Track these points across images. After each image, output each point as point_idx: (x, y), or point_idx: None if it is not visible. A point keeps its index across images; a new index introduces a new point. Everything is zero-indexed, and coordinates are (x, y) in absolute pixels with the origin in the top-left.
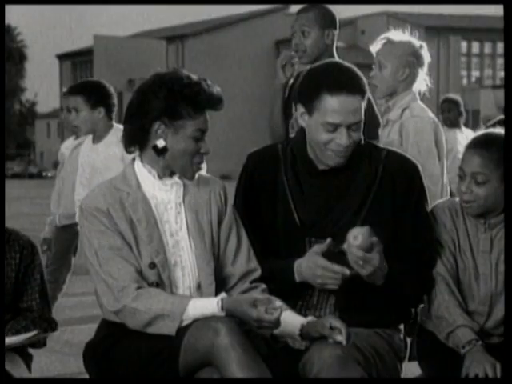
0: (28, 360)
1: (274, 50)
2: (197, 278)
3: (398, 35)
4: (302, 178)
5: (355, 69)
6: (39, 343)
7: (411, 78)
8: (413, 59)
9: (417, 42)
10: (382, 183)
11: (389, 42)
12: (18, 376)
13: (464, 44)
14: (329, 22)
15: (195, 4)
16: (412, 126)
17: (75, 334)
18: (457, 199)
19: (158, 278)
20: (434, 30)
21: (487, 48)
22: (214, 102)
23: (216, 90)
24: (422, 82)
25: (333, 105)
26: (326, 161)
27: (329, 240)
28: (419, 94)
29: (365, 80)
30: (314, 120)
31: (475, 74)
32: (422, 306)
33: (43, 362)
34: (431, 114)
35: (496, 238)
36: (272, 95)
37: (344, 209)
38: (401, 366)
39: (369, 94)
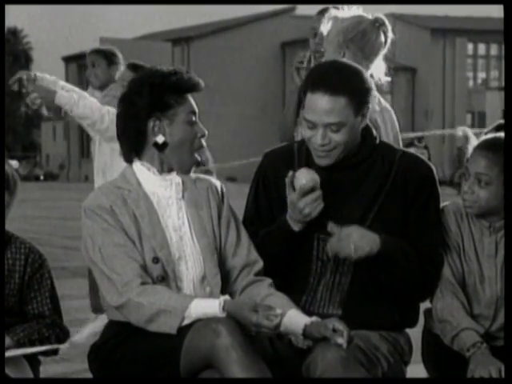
0: (36, 365)
1: (280, 52)
2: (200, 272)
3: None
4: None
5: (351, 69)
6: (52, 350)
7: None
8: None
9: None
10: (394, 183)
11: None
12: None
13: (470, 46)
14: None
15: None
16: None
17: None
18: (461, 202)
19: (162, 272)
20: (440, 32)
21: (493, 50)
22: (195, 84)
23: (192, 74)
24: None
25: (310, 102)
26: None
27: (290, 173)
28: None
29: (360, 83)
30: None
31: (481, 75)
32: (426, 308)
33: (49, 364)
34: None
35: (501, 242)
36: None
37: (354, 206)
38: (406, 370)
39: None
